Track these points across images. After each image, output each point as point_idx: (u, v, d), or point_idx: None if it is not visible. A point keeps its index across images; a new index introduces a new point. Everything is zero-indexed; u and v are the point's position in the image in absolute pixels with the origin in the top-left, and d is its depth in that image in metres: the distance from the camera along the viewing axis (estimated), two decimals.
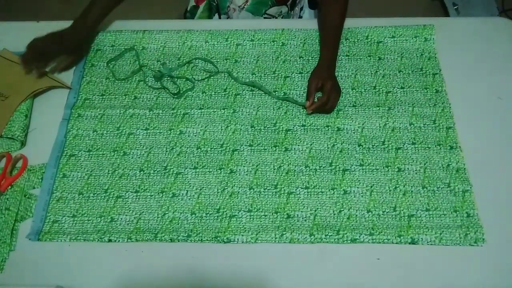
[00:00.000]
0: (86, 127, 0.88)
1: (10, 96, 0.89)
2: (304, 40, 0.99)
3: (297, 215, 0.77)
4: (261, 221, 0.76)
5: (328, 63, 0.90)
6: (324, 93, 0.86)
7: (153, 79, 0.95)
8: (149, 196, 0.80)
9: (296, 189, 0.79)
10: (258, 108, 0.90)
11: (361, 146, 0.84)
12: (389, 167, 0.81)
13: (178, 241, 0.75)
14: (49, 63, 0.94)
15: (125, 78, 0.95)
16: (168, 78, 0.95)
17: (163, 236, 0.75)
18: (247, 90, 0.92)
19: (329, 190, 0.79)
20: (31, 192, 0.81)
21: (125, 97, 0.93)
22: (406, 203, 0.77)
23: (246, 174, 0.81)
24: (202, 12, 1.16)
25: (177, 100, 0.92)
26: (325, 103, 0.86)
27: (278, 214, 0.77)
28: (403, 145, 0.84)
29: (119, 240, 0.75)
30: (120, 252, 0.74)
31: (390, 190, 0.79)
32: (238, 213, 0.77)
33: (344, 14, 0.93)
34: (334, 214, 0.77)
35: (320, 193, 0.79)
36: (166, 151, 0.85)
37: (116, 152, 0.85)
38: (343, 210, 0.77)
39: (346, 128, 0.86)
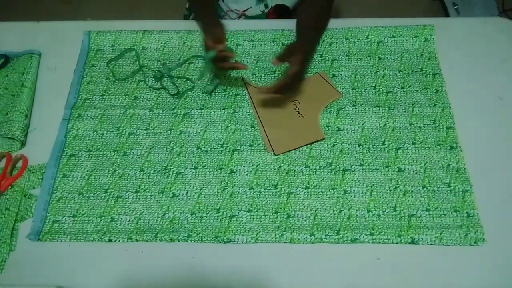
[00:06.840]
0: (86, 127, 0.88)
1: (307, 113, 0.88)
2: None
3: (297, 215, 0.77)
4: (261, 221, 0.77)
5: (305, 55, 0.83)
6: (286, 75, 0.80)
7: (153, 79, 0.95)
8: (149, 196, 0.80)
9: (296, 189, 0.79)
10: None
11: (361, 146, 0.84)
12: (389, 167, 0.81)
13: (178, 241, 0.75)
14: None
15: (125, 78, 0.95)
16: (168, 78, 0.95)
17: (163, 236, 0.75)
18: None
19: (329, 190, 0.79)
20: (31, 192, 0.81)
21: (125, 97, 0.93)
22: (406, 203, 0.77)
23: (246, 174, 0.81)
24: None
25: (177, 100, 0.92)
26: (284, 83, 0.80)
27: (278, 214, 0.77)
28: (403, 145, 0.84)
29: (119, 240, 0.75)
30: (120, 252, 0.74)
31: (390, 190, 0.79)
32: (238, 213, 0.77)
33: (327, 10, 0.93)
34: (334, 214, 0.77)
35: (320, 193, 0.79)
36: (166, 151, 0.85)
37: (116, 152, 0.85)
38: (343, 210, 0.77)
39: (346, 128, 0.86)
